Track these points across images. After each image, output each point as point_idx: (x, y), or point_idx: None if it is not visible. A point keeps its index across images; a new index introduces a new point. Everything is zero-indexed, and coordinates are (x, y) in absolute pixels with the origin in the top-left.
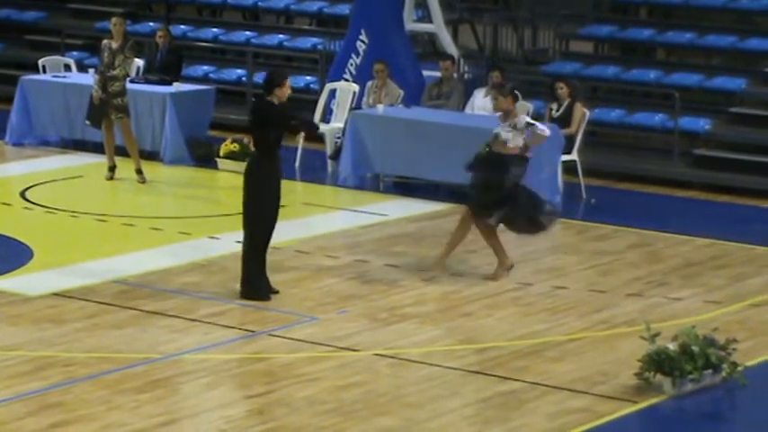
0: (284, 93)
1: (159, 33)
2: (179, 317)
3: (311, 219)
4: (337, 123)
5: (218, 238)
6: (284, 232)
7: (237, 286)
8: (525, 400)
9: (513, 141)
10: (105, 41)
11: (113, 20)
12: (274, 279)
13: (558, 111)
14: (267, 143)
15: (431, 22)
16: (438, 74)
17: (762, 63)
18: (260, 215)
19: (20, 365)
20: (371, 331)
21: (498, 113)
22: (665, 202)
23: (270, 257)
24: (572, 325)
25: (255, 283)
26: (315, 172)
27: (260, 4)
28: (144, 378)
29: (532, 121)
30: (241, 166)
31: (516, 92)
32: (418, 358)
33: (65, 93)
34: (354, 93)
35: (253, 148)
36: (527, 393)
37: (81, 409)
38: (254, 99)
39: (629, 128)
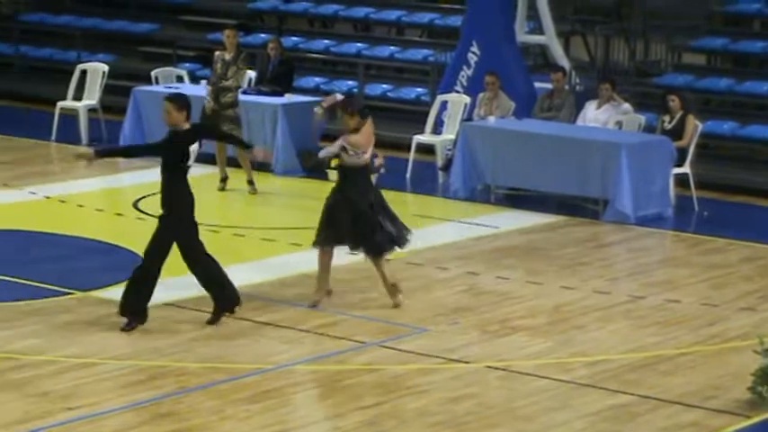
0: None
1: (270, 45)
2: (290, 328)
3: (422, 231)
4: (448, 135)
5: None
6: None
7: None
8: (637, 414)
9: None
10: (218, 53)
11: (227, 32)
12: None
13: (670, 123)
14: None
15: (542, 33)
16: (549, 86)
17: None
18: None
19: (133, 375)
20: (482, 343)
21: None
22: None
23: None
24: (684, 338)
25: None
26: (425, 183)
27: (371, 15)
28: (255, 388)
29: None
30: None
31: (366, 110)
32: (529, 370)
33: None
34: (465, 104)
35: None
36: (638, 407)
37: (193, 418)
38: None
39: (741, 140)
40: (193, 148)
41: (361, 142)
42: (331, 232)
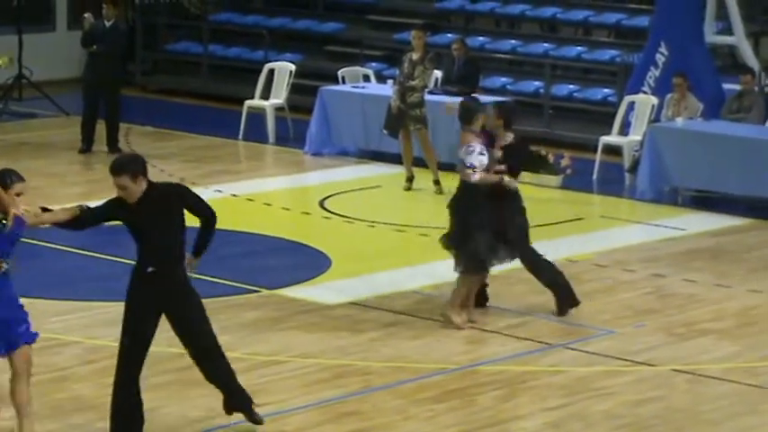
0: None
1: (454, 45)
2: (475, 328)
3: (609, 232)
4: (635, 136)
5: None
6: (582, 245)
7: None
8: None
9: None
10: (408, 54)
11: (414, 32)
12: None
13: None
14: None
15: (731, 34)
16: (738, 87)
17: None
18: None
19: (318, 373)
20: (669, 346)
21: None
22: None
23: (567, 270)
24: None
25: None
26: (612, 185)
27: (558, 15)
28: (439, 388)
29: (471, 156)
30: (539, 177)
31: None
32: (717, 374)
33: (363, 103)
34: (653, 105)
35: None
36: None
37: (377, 417)
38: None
39: None
40: None
41: None
42: None
